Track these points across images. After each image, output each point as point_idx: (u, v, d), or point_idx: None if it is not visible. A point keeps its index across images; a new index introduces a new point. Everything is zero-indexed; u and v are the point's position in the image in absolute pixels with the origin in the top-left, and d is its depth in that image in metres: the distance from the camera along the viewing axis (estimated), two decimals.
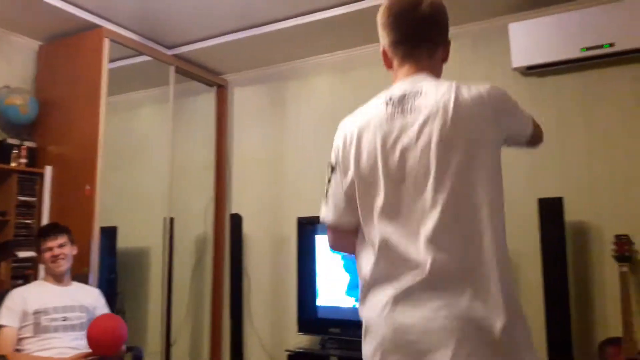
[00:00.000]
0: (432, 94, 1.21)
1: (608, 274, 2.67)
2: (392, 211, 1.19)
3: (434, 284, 1.12)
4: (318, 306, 3.17)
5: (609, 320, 2.65)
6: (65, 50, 3.28)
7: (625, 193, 2.70)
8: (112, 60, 3.19)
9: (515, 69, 2.91)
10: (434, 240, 1.13)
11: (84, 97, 3.13)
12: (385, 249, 1.19)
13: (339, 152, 1.31)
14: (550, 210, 2.60)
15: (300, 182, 3.63)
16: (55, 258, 2.55)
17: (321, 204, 1.34)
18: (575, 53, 2.70)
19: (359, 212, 1.25)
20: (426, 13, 1.28)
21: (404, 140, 1.19)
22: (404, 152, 1.19)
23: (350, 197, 1.27)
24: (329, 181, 1.32)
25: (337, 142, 1.32)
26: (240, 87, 4.03)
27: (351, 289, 3.07)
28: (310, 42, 3.44)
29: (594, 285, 2.72)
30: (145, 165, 3.98)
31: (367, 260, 1.23)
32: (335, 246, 1.38)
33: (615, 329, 2.59)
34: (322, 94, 3.64)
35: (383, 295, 1.18)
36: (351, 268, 3.05)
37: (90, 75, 3.12)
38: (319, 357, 3.03)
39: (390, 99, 1.27)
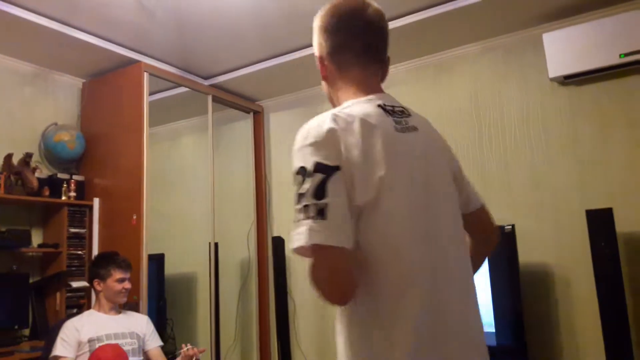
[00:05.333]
0: (417, 119, 1.18)
1: None
2: None
3: None
4: None
5: None
6: (108, 86, 3.42)
7: None
8: (151, 93, 3.30)
9: (553, 79, 2.86)
10: None
11: (127, 129, 3.25)
12: None
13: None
14: (600, 222, 2.49)
15: None
16: (126, 291, 2.65)
17: (302, 226, 0.99)
18: (613, 59, 2.64)
19: None
20: (386, 27, 1.23)
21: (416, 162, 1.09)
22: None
23: None
24: (315, 187, 0.99)
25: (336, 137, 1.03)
26: (275, 112, 4.10)
27: None
28: None
29: None
30: (188, 193, 4.06)
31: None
32: None
33: None
34: None
35: None
36: None
37: (132, 109, 3.24)
38: None
39: (386, 106, 1.14)
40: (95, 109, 3.47)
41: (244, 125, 4.10)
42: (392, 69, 3.50)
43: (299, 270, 3.75)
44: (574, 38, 2.74)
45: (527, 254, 2.81)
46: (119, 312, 2.72)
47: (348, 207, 0.98)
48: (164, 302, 3.75)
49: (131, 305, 2.89)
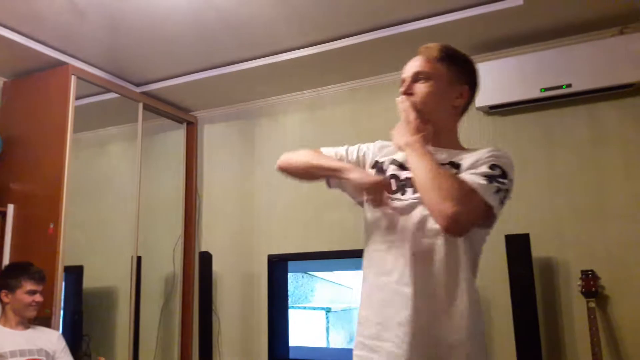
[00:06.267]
0: None
1: (576, 309, 2.69)
2: None
3: None
4: (290, 346, 3.11)
5: (579, 355, 2.67)
6: (31, 87, 3.25)
7: (588, 228, 2.75)
8: (79, 97, 3.17)
9: (479, 109, 2.99)
10: None
11: (49, 134, 3.09)
12: None
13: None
14: (518, 247, 2.62)
15: (270, 220, 3.62)
16: (36, 304, 2.48)
17: (494, 195, 1.30)
18: (535, 93, 2.79)
19: None
20: None
21: None
22: None
23: None
24: (507, 189, 1.35)
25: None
26: (210, 124, 4.04)
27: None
28: (279, 81, 3.48)
29: (564, 320, 2.74)
30: (112, 203, 3.91)
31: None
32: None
33: None
34: (292, 131, 3.67)
35: None
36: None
37: (56, 112, 3.09)
38: None
39: None
40: (17, 110, 3.28)
41: (176, 135, 4.01)
42: (328, 91, 3.58)
43: (226, 286, 3.68)
44: (500, 70, 2.88)
45: None
46: (28, 327, 2.55)
47: None
48: (79, 316, 3.57)
49: (42, 320, 2.72)
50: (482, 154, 1.37)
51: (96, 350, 3.69)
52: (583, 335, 2.60)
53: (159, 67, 3.35)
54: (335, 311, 2.97)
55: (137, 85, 3.59)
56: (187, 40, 2.99)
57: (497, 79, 2.88)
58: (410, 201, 1.37)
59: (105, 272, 3.82)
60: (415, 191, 1.36)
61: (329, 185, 1.60)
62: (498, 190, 1.30)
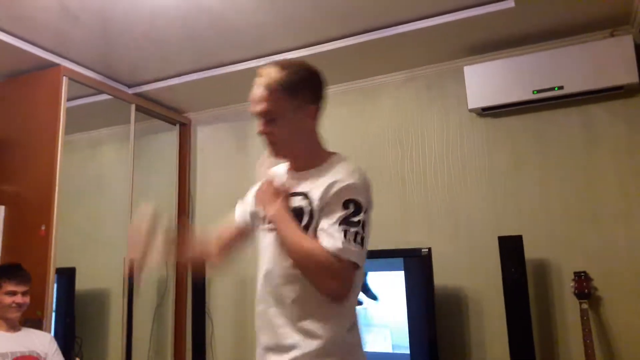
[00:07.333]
0: None
1: (569, 311, 2.70)
2: None
3: None
4: None
5: (572, 357, 2.68)
6: (22, 89, 3.22)
7: (580, 230, 2.77)
8: (71, 99, 3.15)
9: (472, 111, 3.00)
10: None
11: (41, 135, 3.07)
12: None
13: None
14: (511, 248, 2.62)
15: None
16: (19, 306, 2.46)
17: (354, 246, 1.29)
18: (527, 95, 2.81)
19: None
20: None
21: None
22: None
23: None
24: (364, 223, 1.32)
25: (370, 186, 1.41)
26: (203, 125, 4.03)
27: None
28: None
29: (557, 321, 2.75)
30: (105, 205, 3.89)
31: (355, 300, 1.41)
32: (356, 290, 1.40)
33: None
34: None
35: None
36: None
37: (48, 113, 3.07)
38: None
39: None
40: (8, 111, 3.26)
41: (169, 137, 3.99)
42: None
43: (219, 289, 3.67)
44: (493, 72, 2.89)
45: (443, 276, 2.89)
46: (19, 330, 2.53)
47: None
48: (71, 319, 3.54)
49: (34, 322, 2.70)
50: (333, 184, 1.35)
51: (88, 352, 3.67)
52: (576, 336, 2.61)
53: (152, 69, 3.34)
54: None
55: (130, 86, 3.58)
56: (179, 42, 2.98)
57: (490, 81, 2.89)
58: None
59: (98, 274, 3.80)
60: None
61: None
62: (356, 237, 1.29)
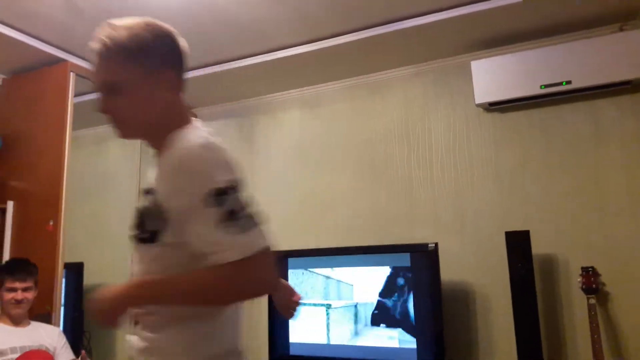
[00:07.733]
0: None
1: (577, 306, 2.70)
2: None
3: None
4: (291, 343, 3.12)
5: (580, 352, 2.67)
6: (30, 84, 3.24)
7: (588, 225, 2.76)
8: (78, 95, 3.16)
9: (479, 105, 2.99)
10: None
11: (49, 131, 3.09)
12: None
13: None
14: (518, 244, 2.62)
15: (270, 217, 3.61)
16: (18, 302, 2.47)
17: (245, 235, 1.11)
18: (535, 90, 2.79)
19: None
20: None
21: None
22: None
23: None
24: (234, 203, 1.11)
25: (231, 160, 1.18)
26: (208, 120, 4.03)
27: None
28: (278, 78, 3.47)
29: (564, 317, 2.75)
30: (112, 200, 3.91)
31: None
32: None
33: None
34: (291, 128, 3.67)
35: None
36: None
37: (55, 109, 3.09)
38: None
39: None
40: (15, 107, 3.28)
41: None
42: (326, 88, 3.58)
43: None
44: (500, 67, 2.88)
45: (449, 272, 2.90)
46: (28, 324, 2.56)
47: None
48: (80, 313, 3.57)
49: (43, 316, 2.73)
50: (173, 182, 1.10)
51: (97, 346, 3.70)
52: (584, 331, 2.61)
53: None
54: (336, 307, 2.98)
55: None
56: (184, 36, 2.93)
57: (497, 76, 2.88)
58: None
59: (106, 269, 3.82)
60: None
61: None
62: (240, 226, 1.08)
